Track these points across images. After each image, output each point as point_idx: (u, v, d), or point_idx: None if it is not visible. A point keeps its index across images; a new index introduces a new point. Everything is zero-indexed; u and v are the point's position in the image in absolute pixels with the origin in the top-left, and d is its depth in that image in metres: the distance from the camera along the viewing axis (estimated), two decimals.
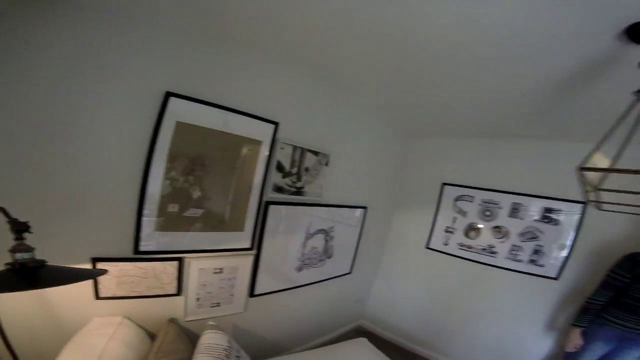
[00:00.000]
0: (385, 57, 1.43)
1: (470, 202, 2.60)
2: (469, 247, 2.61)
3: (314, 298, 2.49)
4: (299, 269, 2.20)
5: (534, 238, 2.33)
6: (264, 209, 1.83)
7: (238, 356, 1.47)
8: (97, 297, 1.36)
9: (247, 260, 1.85)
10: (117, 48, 1.23)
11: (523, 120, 1.97)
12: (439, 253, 2.79)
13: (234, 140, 1.64)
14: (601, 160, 0.99)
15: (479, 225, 2.58)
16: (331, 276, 2.54)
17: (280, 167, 1.84)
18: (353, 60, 1.56)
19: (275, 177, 1.84)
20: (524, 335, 2.41)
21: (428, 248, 2.85)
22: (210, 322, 1.61)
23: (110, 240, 1.35)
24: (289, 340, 2.38)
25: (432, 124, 2.52)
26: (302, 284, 2.28)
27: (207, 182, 1.60)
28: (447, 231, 2.73)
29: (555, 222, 2.25)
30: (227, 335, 1.52)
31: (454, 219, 2.69)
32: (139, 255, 1.43)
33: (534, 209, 2.33)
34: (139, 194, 1.37)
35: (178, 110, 1.41)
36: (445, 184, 2.76)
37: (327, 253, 2.39)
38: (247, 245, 1.82)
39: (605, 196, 1.16)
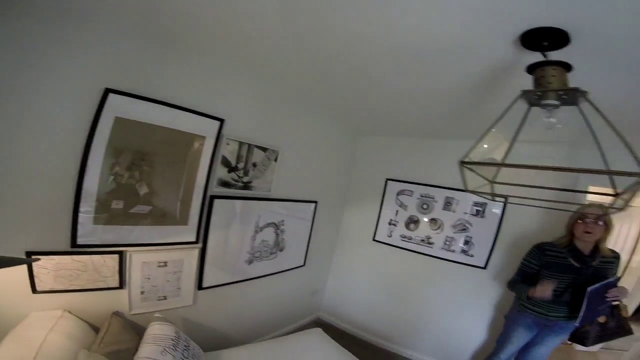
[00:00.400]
0: (328, 60, 1.54)
1: (410, 196, 2.84)
2: (410, 238, 2.84)
3: (269, 290, 2.58)
4: (250, 262, 2.29)
5: (464, 230, 2.60)
6: (209, 203, 1.90)
7: (187, 346, 1.52)
8: (34, 291, 1.36)
9: (193, 254, 1.90)
10: (53, 44, 1.24)
11: (447, 121, 2.20)
12: (384, 245, 3.00)
13: (178, 136, 1.69)
14: (501, 150, 1.17)
15: (420, 218, 2.81)
16: (284, 269, 2.64)
17: (225, 163, 1.92)
18: (296, 63, 1.67)
19: (221, 172, 1.91)
20: (463, 322, 2.65)
21: (375, 240, 3.06)
22: (157, 314, 1.64)
23: (46, 234, 1.36)
24: (245, 333, 2.43)
25: (376, 123, 2.70)
26: (253, 276, 2.36)
27: (154, 178, 1.65)
28: (390, 224, 2.95)
29: (482, 215, 2.53)
30: (175, 327, 1.57)
31: (397, 212, 2.92)
32: (76, 248, 1.44)
33: (465, 203, 2.59)
34: (75, 190, 1.39)
35: (118, 106, 1.44)
36: (388, 179, 2.98)
37: (278, 246, 2.49)
38: (192, 239, 1.87)
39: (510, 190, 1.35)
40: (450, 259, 2.66)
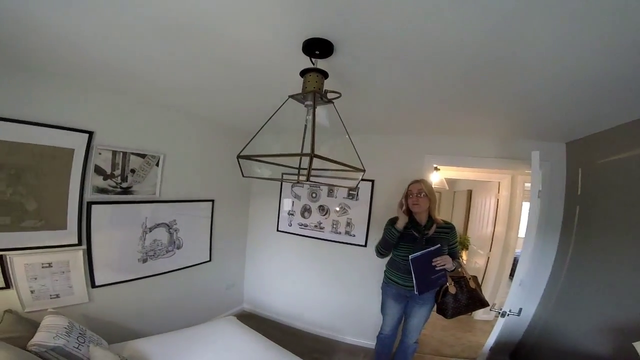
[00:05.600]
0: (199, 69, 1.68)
1: (302, 187, 3.17)
2: (306, 225, 3.17)
3: (176, 286, 2.75)
4: (144, 261, 2.45)
5: (345, 212, 2.97)
6: (87, 208, 2.06)
7: (82, 333, 1.67)
8: None
9: (77, 255, 2.03)
10: None
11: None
12: (286, 234, 3.31)
13: (47, 151, 1.85)
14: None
15: (311, 206, 3.15)
16: (186, 265, 2.82)
17: (99, 171, 2.10)
18: (158, 77, 1.84)
19: (96, 180, 2.08)
20: (360, 298, 2.96)
21: (278, 231, 3.36)
22: (50, 309, 1.78)
23: None
24: (158, 328, 2.45)
25: (251, 123, 2.83)
26: (151, 274, 2.52)
27: (35, 190, 1.83)
28: (289, 214, 3.27)
29: (357, 198, 2.92)
30: (68, 318, 1.71)
31: (293, 203, 3.24)
32: None
33: (343, 188, 2.96)
34: None
35: None
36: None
37: (174, 244, 2.68)
38: (74, 241, 2.01)
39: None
40: (338, 240, 3.02)
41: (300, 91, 1.29)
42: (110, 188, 2.17)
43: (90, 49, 1.48)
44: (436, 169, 3.16)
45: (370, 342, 2.92)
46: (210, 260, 3.08)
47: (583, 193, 2.29)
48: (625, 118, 1.80)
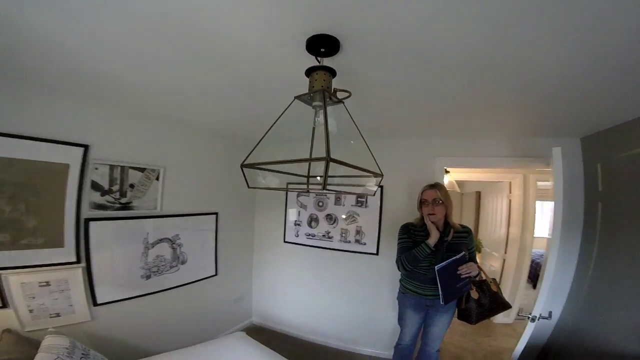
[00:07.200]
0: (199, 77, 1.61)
1: (307, 196, 3.06)
2: (313, 235, 3.05)
3: (182, 302, 2.64)
4: (147, 277, 2.34)
5: (354, 221, 2.85)
6: (84, 225, 1.96)
7: (85, 354, 1.59)
8: None
9: (76, 273, 1.93)
10: None
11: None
12: (293, 245, 3.19)
13: (41, 166, 1.76)
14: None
15: (318, 216, 3.04)
16: (192, 280, 2.71)
17: (96, 187, 2.00)
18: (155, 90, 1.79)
19: (93, 196, 1.98)
20: (374, 308, 2.83)
21: (285, 242, 3.24)
22: (51, 329, 1.72)
23: None
24: (166, 345, 2.39)
25: (253, 131, 2.75)
26: (156, 290, 2.41)
27: (38, 208, 1.77)
28: (296, 224, 3.15)
29: (366, 205, 2.80)
30: (70, 338, 1.64)
31: (299, 213, 3.12)
32: None
33: (351, 196, 2.85)
34: None
35: None
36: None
37: (178, 259, 2.57)
38: (72, 259, 1.91)
39: None
40: (348, 249, 2.90)
41: (304, 94, 1.20)
42: (109, 204, 2.07)
43: (82, 58, 1.40)
44: (446, 171, 3.05)
45: (386, 352, 2.79)
46: (216, 274, 2.96)
47: (605, 189, 2.17)
48: None
